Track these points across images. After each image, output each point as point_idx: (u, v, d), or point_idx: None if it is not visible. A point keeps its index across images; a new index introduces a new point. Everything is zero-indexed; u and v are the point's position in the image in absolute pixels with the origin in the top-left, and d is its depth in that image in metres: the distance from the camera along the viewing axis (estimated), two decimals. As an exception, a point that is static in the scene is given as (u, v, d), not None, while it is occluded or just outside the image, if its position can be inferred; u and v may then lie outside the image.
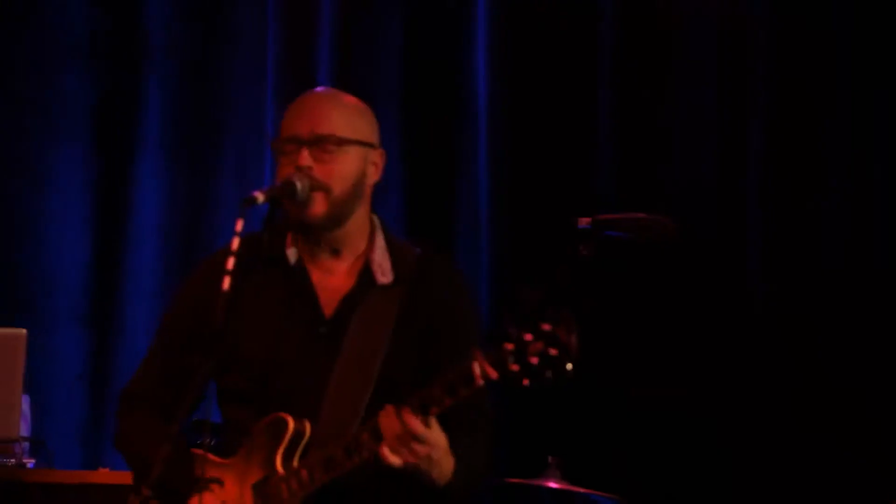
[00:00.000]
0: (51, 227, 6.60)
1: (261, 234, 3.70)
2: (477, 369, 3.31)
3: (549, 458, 5.53)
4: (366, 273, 3.71)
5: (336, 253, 3.72)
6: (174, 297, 3.91)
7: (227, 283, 3.41)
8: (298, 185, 3.56)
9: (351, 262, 3.73)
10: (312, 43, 6.70)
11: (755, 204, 6.42)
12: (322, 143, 3.62)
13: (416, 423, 3.40)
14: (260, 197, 3.50)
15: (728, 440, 6.21)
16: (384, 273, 3.73)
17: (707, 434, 6.24)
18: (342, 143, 3.63)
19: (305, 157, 3.60)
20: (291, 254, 3.72)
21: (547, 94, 6.65)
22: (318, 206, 3.61)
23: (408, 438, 3.42)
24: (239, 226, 3.40)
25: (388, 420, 3.44)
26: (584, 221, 4.79)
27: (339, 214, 3.65)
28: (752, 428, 6.24)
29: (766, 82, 6.43)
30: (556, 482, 5.49)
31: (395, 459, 3.43)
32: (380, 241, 3.75)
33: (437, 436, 3.46)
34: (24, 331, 5.06)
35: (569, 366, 3.23)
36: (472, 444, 3.59)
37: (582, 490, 5.52)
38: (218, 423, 3.75)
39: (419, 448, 3.41)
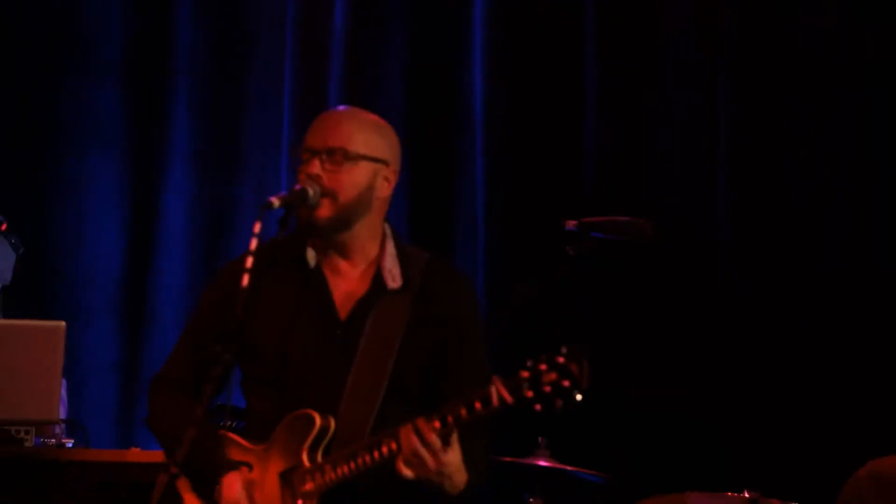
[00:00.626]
0: (88, 229, 6.73)
1: (283, 239, 3.84)
2: (494, 393, 3.41)
3: (540, 438, 5.50)
4: (377, 279, 3.82)
5: (347, 257, 3.84)
6: (202, 294, 4.01)
7: (245, 279, 3.58)
8: (310, 191, 3.71)
9: (364, 267, 3.85)
10: (326, 59, 6.83)
11: (725, 203, 6.40)
12: (333, 155, 3.75)
13: (433, 437, 3.51)
14: (276, 202, 3.68)
15: (710, 422, 6.18)
16: (394, 279, 3.84)
17: (689, 417, 6.21)
18: (351, 156, 3.76)
19: (315, 166, 3.74)
20: (311, 257, 3.84)
21: (539, 100, 6.68)
22: (325, 210, 3.74)
23: (423, 451, 3.52)
24: (257, 228, 3.60)
25: (406, 434, 3.53)
26: (571, 224, 5.03)
27: (343, 219, 3.78)
28: (733, 408, 6.20)
29: (736, 83, 6.42)
30: (545, 461, 5.49)
31: (408, 472, 3.54)
32: (390, 248, 3.86)
33: (452, 454, 3.57)
34: (63, 323, 5.06)
35: (578, 396, 3.35)
36: (476, 449, 3.67)
37: (570, 468, 5.50)
38: (239, 407, 3.88)
39: (431, 461, 3.52)
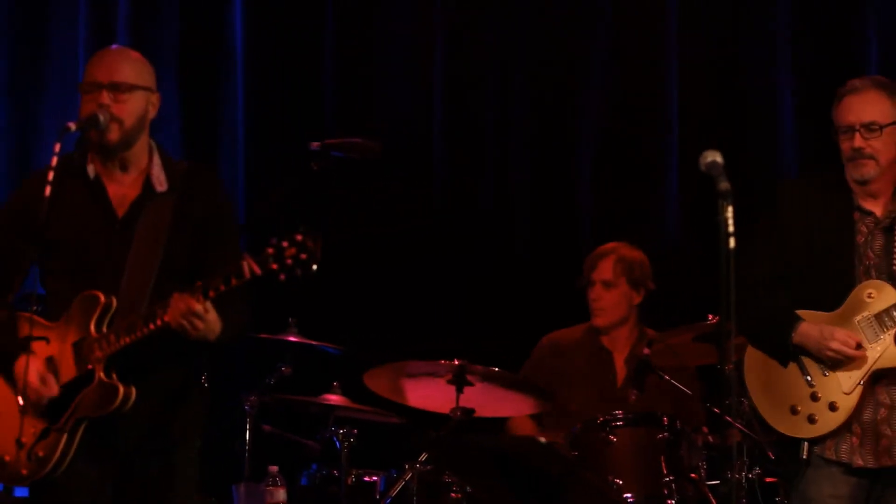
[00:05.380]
0: None
1: (70, 155, 4.21)
2: (246, 267, 3.83)
3: (290, 318, 5.94)
4: (147, 184, 4.22)
5: (125, 169, 4.22)
6: (7, 199, 4.33)
7: (48, 190, 3.96)
8: (101, 117, 4.11)
9: (135, 175, 4.23)
10: (114, 8, 7.12)
11: (440, 125, 7.06)
12: (117, 88, 4.15)
13: (197, 306, 3.90)
14: (72, 126, 4.08)
15: (428, 304, 6.77)
16: (161, 183, 4.22)
17: (411, 301, 6.82)
18: (132, 88, 4.18)
19: (105, 97, 4.12)
20: (91, 170, 4.20)
21: (288, 45, 7.23)
22: (114, 134, 4.14)
23: (190, 315, 3.92)
24: (57, 148, 3.98)
25: (176, 303, 3.92)
26: (315, 144, 5.37)
27: (128, 140, 4.18)
28: (446, 293, 6.80)
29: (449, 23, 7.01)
30: (294, 336, 5.90)
31: (181, 332, 3.95)
32: (156, 160, 4.26)
33: (211, 314, 3.97)
34: None
35: (314, 266, 3.76)
36: (235, 309, 4.07)
37: (315, 342, 5.93)
38: (41, 294, 4.25)
39: (197, 323, 3.94)
